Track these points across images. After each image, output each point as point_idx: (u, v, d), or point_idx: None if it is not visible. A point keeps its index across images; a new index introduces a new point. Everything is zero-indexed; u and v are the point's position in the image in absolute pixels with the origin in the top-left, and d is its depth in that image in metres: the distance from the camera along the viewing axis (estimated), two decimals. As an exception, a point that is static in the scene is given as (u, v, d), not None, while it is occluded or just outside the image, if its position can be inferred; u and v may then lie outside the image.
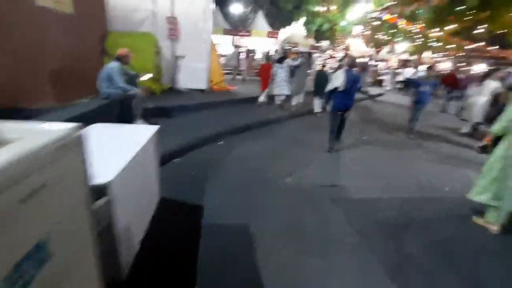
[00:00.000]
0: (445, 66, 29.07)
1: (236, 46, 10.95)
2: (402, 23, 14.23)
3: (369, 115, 8.49)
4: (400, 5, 12.27)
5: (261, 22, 18.17)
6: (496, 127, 2.66)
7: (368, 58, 14.37)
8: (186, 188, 3.12)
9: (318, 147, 4.94)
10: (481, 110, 6.40)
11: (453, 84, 9.05)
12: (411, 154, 5.20)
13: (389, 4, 12.82)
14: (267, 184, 3.47)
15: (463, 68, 26.18)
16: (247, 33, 16.81)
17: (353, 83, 4.58)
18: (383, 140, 5.94)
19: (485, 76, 6.66)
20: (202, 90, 7.85)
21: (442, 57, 30.54)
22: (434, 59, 29.96)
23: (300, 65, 7.38)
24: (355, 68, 4.78)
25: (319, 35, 16.98)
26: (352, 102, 4.81)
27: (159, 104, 5.71)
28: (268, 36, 16.34)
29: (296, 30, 18.34)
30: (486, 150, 2.80)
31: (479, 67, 29.59)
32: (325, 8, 14.08)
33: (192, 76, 7.77)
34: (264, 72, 7.68)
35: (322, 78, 7.11)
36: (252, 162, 4.09)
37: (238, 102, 7.44)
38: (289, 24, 19.26)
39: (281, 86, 7.29)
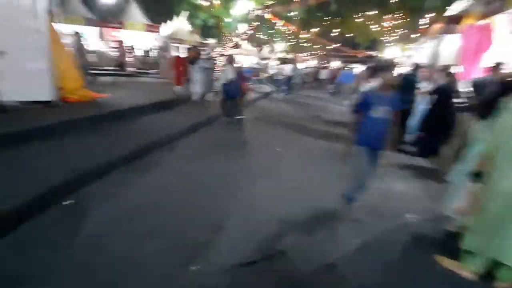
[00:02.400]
0: (313, 63, 33.13)
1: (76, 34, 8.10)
2: (280, 24, 14.29)
3: (273, 116, 7.73)
4: (280, 5, 12.06)
5: (136, 13, 15.12)
6: (488, 147, 1.91)
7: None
8: None
9: (228, 188, 3.36)
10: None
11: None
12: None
13: (270, 3, 12.44)
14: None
15: (324, 65, 30.47)
16: (119, 25, 13.56)
17: (237, 76, 6.20)
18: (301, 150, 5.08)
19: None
20: (46, 103, 5.10)
21: (311, 55, 34.62)
22: (305, 57, 33.69)
23: (211, 66, 7.88)
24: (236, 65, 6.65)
25: (206, 32, 15.47)
26: (239, 91, 6.41)
27: None
28: (147, 30, 13.65)
29: (180, 25, 16.19)
30: (479, 178, 1.99)
31: (335, 64, 34.91)
32: (208, 3, 12.57)
33: (26, 83, 4.92)
34: (179, 65, 7.85)
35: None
36: (121, 245, 2.21)
37: (108, 118, 5.09)
38: (171, 18, 16.84)
39: (196, 85, 7.48)
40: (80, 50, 7.71)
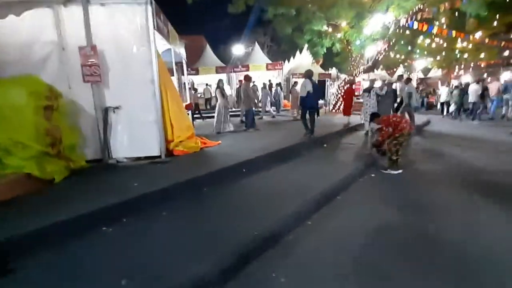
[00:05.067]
0: (466, 79, 25.13)
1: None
2: (431, 32, 10.78)
3: (459, 170, 4.63)
4: (434, 6, 8.87)
5: (258, 55, 15.50)
6: None
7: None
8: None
9: None
10: None
11: None
12: None
13: (419, 6, 9.44)
14: None
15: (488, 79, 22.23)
16: (244, 68, 13.99)
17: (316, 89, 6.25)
18: None
19: None
20: (153, 158, 4.45)
21: (463, 69, 26.66)
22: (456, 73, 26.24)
23: (386, 94, 7.00)
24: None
25: (329, 59, 13.95)
26: (316, 103, 6.43)
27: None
28: (267, 69, 13.43)
29: (302, 59, 15.45)
30: None
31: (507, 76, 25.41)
32: (331, 28, 11.01)
33: (135, 137, 4.45)
34: (348, 96, 8.56)
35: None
36: None
37: (212, 180, 3.82)
38: (292, 56, 16.49)
39: (367, 112, 6.92)
40: (247, 95, 7.59)
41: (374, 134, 5.46)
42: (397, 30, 10.07)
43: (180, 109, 4.92)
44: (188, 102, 7.13)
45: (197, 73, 14.18)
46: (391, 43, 10.74)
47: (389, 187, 3.89)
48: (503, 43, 14.04)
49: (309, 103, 6.21)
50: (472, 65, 24.62)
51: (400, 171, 4.35)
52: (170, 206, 3.04)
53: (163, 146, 4.47)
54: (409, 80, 8.32)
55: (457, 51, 19.07)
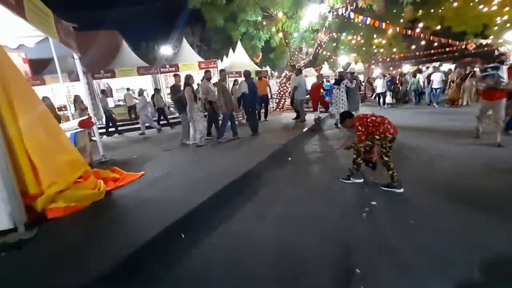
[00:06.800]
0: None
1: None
2: (368, 21, 10.35)
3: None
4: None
5: (188, 53, 13.31)
6: None
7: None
8: None
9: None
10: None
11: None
12: None
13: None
14: None
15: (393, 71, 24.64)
16: (172, 68, 11.67)
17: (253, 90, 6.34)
18: None
19: None
20: (6, 233, 2.20)
21: (375, 63, 28.96)
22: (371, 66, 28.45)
23: (355, 86, 6.93)
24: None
25: (264, 56, 12.72)
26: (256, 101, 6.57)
27: None
28: (200, 68, 11.45)
29: (235, 58, 13.84)
30: None
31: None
32: (269, 18, 9.71)
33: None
34: (315, 91, 8.35)
35: None
36: None
37: (136, 269, 1.88)
38: (226, 55, 14.78)
39: (339, 105, 6.84)
40: (228, 95, 6.00)
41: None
42: (335, 19, 9.35)
43: (53, 135, 2.72)
44: (88, 116, 4.77)
45: (113, 75, 11.23)
46: (331, 34, 10.02)
47: (415, 221, 2.53)
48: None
49: (248, 101, 6.28)
50: (381, 59, 26.78)
51: (402, 189, 3.12)
52: None
53: (20, 208, 2.25)
54: (299, 71, 7.96)
55: (374, 47, 20.24)
